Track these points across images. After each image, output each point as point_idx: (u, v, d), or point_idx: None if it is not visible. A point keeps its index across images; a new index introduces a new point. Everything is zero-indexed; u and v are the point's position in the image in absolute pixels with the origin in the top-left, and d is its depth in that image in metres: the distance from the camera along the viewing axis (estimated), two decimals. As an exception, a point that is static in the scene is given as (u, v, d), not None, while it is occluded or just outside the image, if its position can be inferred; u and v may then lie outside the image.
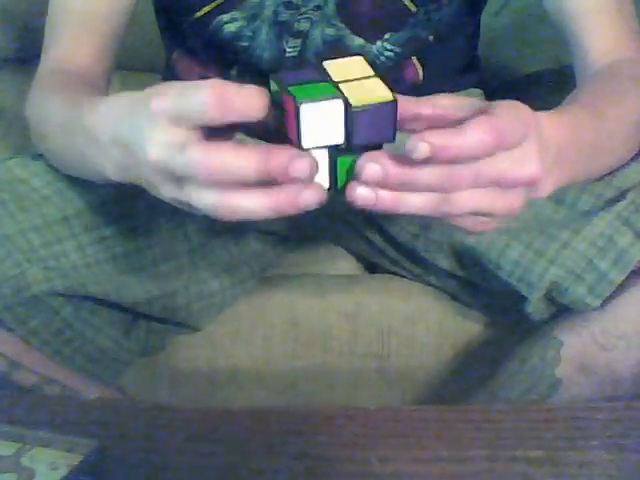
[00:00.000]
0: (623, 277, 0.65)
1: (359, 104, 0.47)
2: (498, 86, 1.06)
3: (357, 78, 0.49)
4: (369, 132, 0.48)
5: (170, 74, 0.96)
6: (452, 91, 0.94)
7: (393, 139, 0.48)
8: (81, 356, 0.75)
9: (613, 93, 0.67)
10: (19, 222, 0.69)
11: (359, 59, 0.52)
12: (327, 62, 0.51)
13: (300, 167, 0.45)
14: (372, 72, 0.50)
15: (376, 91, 0.48)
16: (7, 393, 0.63)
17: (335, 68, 0.51)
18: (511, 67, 1.13)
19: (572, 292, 0.67)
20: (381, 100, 0.48)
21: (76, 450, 0.51)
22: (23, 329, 0.71)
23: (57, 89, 0.72)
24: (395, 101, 0.48)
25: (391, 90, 0.48)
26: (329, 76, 0.50)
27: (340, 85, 0.49)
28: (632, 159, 0.69)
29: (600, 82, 0.70)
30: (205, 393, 0.85)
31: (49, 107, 0.70)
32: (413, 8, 0.82)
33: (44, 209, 0.70)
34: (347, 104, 0.47)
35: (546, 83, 1.07)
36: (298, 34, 0.83)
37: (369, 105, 0.47)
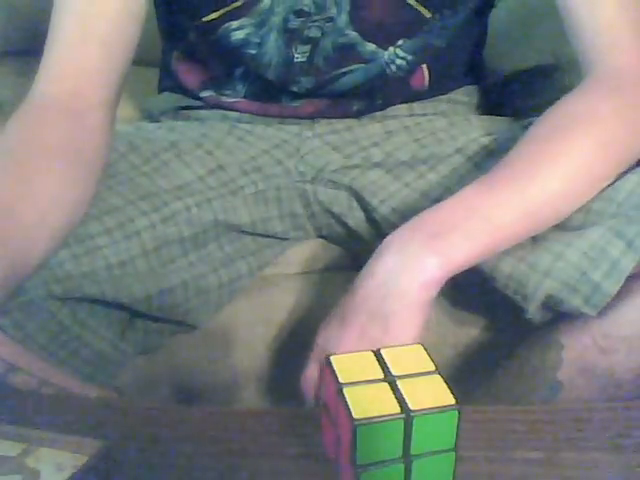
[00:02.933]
0: (617, 287, 0.67)
1: (418, 408, 0.46)
2: (495, 82, 1.08)
3: (417, 373, 0.50)
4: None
5: (169, 75, 0.97)
6: (453, 89, 0.96)
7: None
8: (78, 358, 0.77)
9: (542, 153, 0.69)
10: None
11: (418, 347, 0.52)
12: (384, 350, 0.51)
13: None
14: (433, 366, 0.50)
15: (438, 393, 0.48)
16: (11, 394, 0.64)
17: (393, 357, 0.51)
18: (508, 63, 1.14)
19: (568, 303, 0.69)
20: (443, 404, 0.47)
21: (82, 451, 0.51)
22: (20, 333, 0.72)
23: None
24: (459, 406, 0.47)
25: (452, 392, 0.48)
26: (387, 367, 0.50)
27: (398, 381, 0.49)
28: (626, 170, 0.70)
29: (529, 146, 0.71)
30: (204, 394, 0.86)
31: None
32: (428, 15, 0.83)
33: None
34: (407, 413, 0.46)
35: (543, 78, 1.08)
36: (308, 40, 0.84)
37: (429, 409, 0.47)
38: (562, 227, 0.69)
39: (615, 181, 0.70)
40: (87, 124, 0.77)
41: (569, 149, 0.68)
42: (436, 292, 0.63)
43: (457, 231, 0.63)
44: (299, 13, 0.82)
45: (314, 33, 0.83)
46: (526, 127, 0.83)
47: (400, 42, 0.85)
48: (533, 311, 0.72)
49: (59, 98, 0.76)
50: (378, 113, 0.92)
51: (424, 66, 0.89)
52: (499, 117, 0.91)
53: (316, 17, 0.82)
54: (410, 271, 0.62)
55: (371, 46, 0.84)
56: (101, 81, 0.79)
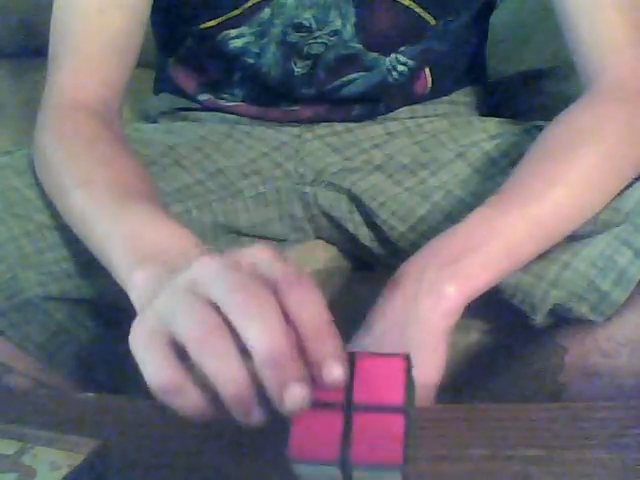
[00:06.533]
0: (626, 296, 0.67)
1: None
2: (496, 83, 1.09)
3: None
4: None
5: (166, 77, 0.98)
6: (454, 90, 0.97)
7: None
8: (76, 359, 0.78)
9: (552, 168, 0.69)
10: (10, 228, 0.72)
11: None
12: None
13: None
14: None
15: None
16: (7, 393, 0.65)
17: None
18: (509, 64, 1.16)
19: (575, 311, 0.70)
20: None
21: (78, 449, 0.52)
22: (18, 334, 0.73)
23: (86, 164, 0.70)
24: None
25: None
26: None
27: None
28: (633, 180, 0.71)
29: (541, 156, 0.71)
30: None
31: (74, 193, 0.68)
32: (433, 22, 0.83)
33: (36, 216, 0.73)
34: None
35: (543, 80, 1.09)
36: (309, 56, 0.84)
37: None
38: (569, 237, 0.70)
39: (622, 191, 0.70)
40: (114, 128, 0.78)
41: (579, 165, 0.68)
42: (457, 319, 0.62)
43: (475, 255, 0.62)
44: (298, 28, 0.82)
45: (316, 49, 0.84)
46: (528, 131, 0.84)
47: (402, 48, 0.86)
48: (540, 319, 0.73)
49: (89, 105, 0.77)
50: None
51: (427, 71, 0.91)
52: (500, 119, 0.92)
53: (318, 33, 0.82)
54: (429, 301, 0.61)
55: (373, 54, 0.85)
56: (120, 89, 0.81)
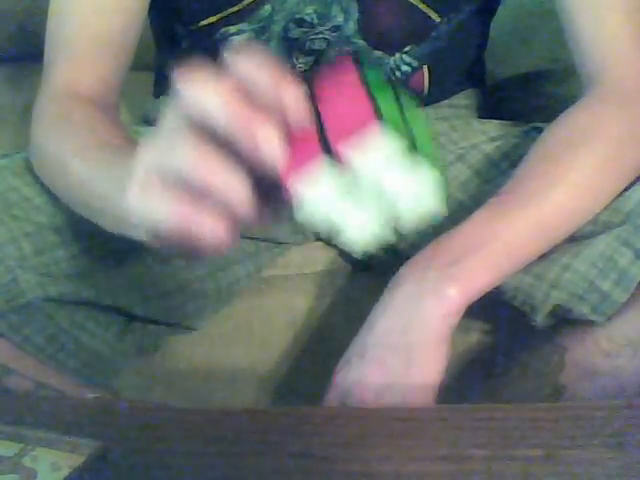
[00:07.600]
0: (627, 296, 0.67)
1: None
2: (495, 85, 1.09)
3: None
4: None
5: (165, 80, 0.96)
6: (454, 93, 0.97)
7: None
8: (76, 360, 0.78)
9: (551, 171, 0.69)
10: (10, 229, 0.71)
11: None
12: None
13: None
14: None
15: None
16: (8, 394, 0.65)
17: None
18: (507, 67, 1.16)
19: (576, 312, 0.70)
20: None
21: (78, 451, 0.53)
22: (18, 336, 0.73)
23: (76, 132, 0.70)
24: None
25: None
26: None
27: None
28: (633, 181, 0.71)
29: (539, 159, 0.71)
30: (203, 393, 0.87)
31: (70, 152, 0.68)
32: (437, 19, 0.83)
33: (35, 217, 0.73)
34: None
35: (541, 82, 1.09)
36: (311, 52, 0.84)
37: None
38: (569, 238, 0.70)
39: (622, 191, 0.71)
40: (112, 118, 0.78)
41: (579, 166, 0.68)
42: (458, 320, 0.63)
43: (476, 256, 0.63)
44: (300, 22, 0.82)
45: (318, 45, 0.84)
46: (527, 132, 0.84)
47: (407, 48, 0.86)
48: (540, 320, 0.73)
49: (85, 95, 0.77)
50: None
51: (425, 68, 0.90)
52: (500, 121, 0.92)
53: (320, 28, 0.82)
54: (430, 302, 0.61)
55: (378, 53, 0.85)
56: (115, 87, 0.81)
